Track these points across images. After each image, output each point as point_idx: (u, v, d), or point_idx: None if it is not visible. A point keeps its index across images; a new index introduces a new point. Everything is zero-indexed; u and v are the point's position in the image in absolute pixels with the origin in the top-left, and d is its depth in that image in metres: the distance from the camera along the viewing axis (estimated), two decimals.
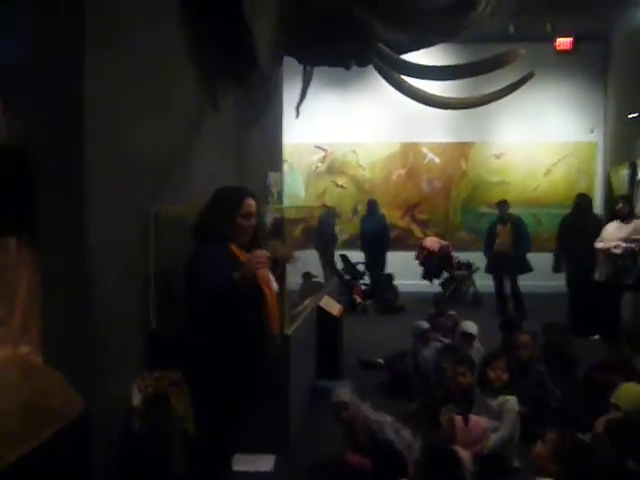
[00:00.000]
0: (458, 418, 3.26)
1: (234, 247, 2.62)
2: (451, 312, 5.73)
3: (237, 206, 2.68)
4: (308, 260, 8.10)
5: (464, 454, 2.90)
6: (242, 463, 3.13)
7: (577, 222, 6.99)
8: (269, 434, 3.33)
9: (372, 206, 8.91)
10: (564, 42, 9.39)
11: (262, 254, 2.44)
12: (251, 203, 2.72)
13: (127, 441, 2.68)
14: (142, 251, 3.07)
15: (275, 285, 2.70)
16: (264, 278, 2.62)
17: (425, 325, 4.87)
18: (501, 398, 3.48)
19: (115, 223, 2.73)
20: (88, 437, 2.32)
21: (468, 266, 8.94)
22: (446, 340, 5.09)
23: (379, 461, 2.39)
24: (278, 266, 3.02)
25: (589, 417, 3.18)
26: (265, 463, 3.28)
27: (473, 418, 3.29)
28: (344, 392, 3.42)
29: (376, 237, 8.70)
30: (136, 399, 2.78)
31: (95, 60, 2.51)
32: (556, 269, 7.21)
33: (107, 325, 2.68)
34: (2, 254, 3.48)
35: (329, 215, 8.81)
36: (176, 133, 3.61)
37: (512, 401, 3.49)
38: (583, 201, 7.13)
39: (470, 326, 4.84)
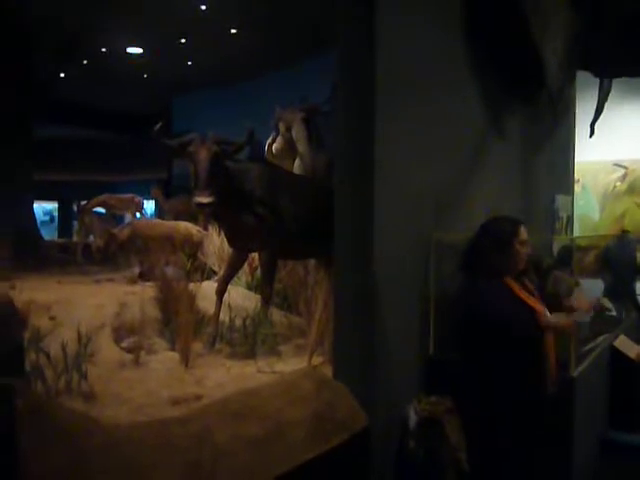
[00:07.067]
0: None
1: (508, 279, 2.61)
2: None
3: (514, 235, 2.66)
4: (600, 290, 7.30)
5: None
6: None
7: None
8: None
9: None
10: None
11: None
12: (524, 230, 2.70)
13: (402, 460, 2.78)
14: (423, 275, 3.18)
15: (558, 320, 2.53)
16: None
17: None
18: None
19: (399, 248, 2.89)
20: (368, 451, 2.49)
21: None
22: None
23: None
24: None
25: None
26: None
27: None
28: None
29: None
30: (412, 421, 2.87)
31: (385, 99, 2.71)
32: None
33: (389, 344, 2.84)
34: (304, 273, 3.98)
35: (626, 240, 7.77)
36: (460, 162, 3.65)
37: None
38: None
39: None
